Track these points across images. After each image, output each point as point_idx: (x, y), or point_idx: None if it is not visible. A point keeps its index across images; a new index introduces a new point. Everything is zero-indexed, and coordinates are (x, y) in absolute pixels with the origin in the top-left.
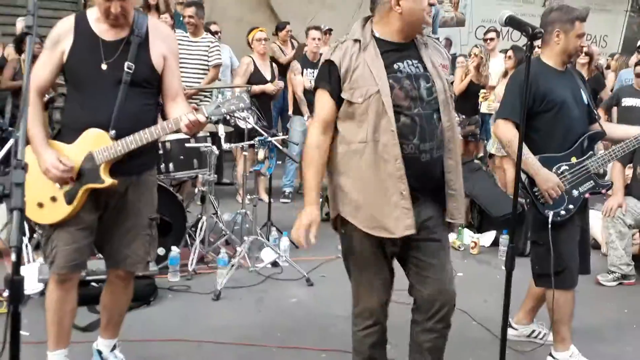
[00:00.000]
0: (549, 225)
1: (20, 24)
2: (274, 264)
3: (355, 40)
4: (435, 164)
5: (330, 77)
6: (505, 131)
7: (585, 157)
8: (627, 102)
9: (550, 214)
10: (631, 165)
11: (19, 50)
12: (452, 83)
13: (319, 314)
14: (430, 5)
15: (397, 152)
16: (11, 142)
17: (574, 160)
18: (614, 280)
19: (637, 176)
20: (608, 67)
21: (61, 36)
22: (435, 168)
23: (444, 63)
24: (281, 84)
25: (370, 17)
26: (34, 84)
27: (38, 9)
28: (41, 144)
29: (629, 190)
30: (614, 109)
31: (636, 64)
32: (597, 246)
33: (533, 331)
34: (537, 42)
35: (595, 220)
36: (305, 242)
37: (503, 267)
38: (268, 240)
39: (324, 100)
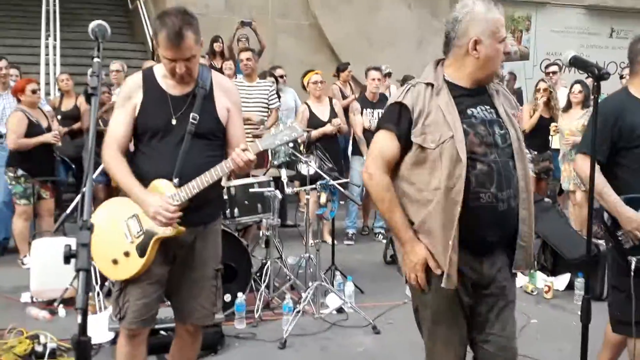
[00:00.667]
0: (632, 273)
1: (88, 91)
2: (339, 310)
3: (428, 84)
4: (511, 214)
5: (400, 119)
6: (585, 167)
7: None
8: None
9: (634, 260)
10: None
11: (89, 101)
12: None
13: None
14: (506, 54)
15: (460, 199)
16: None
17: None
18: None
19: None
20: None
21: (132, 92)
22: (511, 218)
23: (514, 112)
24: (338, 121)
25: (441, 60)
26: (114, 141)
27: (107, 57)
28: (142, 191)
29: None
30: None
31: None
32: None
33: None
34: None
35: None
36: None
37: (579, 313)
38: (332, 285)
39: (388, 141)
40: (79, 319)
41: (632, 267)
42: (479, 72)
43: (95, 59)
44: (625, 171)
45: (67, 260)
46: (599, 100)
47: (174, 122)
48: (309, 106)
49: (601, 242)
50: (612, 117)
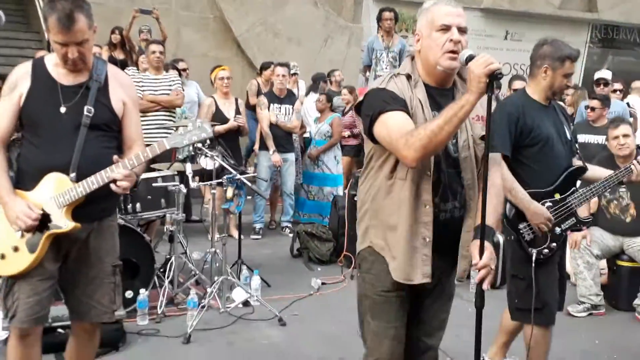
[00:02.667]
0: (533, 264)
1: None
2: (246, 303)
3: (407, 76)
4: (454, 223)
5: (395, 100)
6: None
7: (568, 193)
8: (581, 138)
9: (534, 252)
10: None
11: None
12: (482, 137)
13: (292, 355)
14: (453, 42)
15: (429, 197)
16: None
17: (557, 196)
18: (584, 310)
19: (602, 207)
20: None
21: (18, 81)
22: (454, 227)
23: (480, 114)
24: (241, 118)
25: (413, 57)
26: None
27: (2, 47)
28: (8, 194)
29: (594, 221)
30: None
31: (590, 98)
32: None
33: None
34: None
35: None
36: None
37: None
38: (239, 279)
39: (402, 116)
40: None
41: (533, 258)
42: (426, 66)
43: None
44: (523, 168)
45: None
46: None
47: (62, 109)
48: (215, 101)
49: (501, 234)
50: (514, 115)
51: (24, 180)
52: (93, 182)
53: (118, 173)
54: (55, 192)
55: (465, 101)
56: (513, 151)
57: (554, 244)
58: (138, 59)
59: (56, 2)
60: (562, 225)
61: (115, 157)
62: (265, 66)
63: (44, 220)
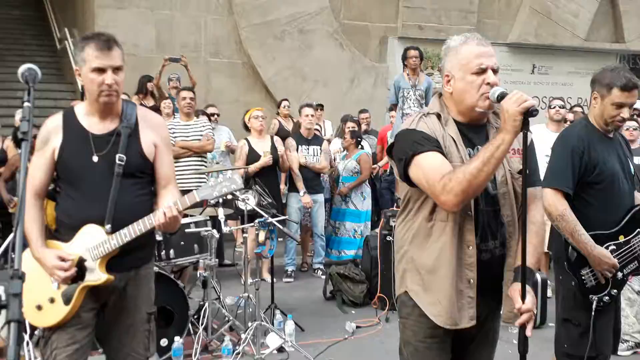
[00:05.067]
0: (592, 312)
1: (18, 116)
2: (280, 349)
3: (437, 115)
4: (495, 262)
5: (428, 140)
6: (556, 203)
7: (632, 235)
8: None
9: (595, 299)
10: None
11: (18, 145)
12: (520, 171)
13: None
14: (489, 85)
15: (472, 237)
16: (10, 237)
17: (621, 239)
18: (628, 349)
19: None
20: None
21: (50, 134)
22: (496, 266)
23: (517, 148)
24: (269, 155)
25: (441, 94)
26: (30, 187)
27: (36, 99)
28: (39, 248)
29: None
30: None
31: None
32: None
33: None
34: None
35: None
36: None
37: (514, 341)
38: (273, 324)
39: (438, 158)
40: None
41: (594, 306)
42: (460, 107)
43: (26, 104)
44: (586, 206)
45: None
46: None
47: (95, 159)
48: (248, 141)
49: (540, 272)
50: (579, 149)
51: (62, 231)
52: (126, 234)
53: (150, 224)
54: (91, 245)
55: (502, 141)
56: (577, 189)
57: (615, 291)
58: (160, 104)
59: (90, 36)
60: (625, 270)
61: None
62: (278, 104)
63: (79, 272)
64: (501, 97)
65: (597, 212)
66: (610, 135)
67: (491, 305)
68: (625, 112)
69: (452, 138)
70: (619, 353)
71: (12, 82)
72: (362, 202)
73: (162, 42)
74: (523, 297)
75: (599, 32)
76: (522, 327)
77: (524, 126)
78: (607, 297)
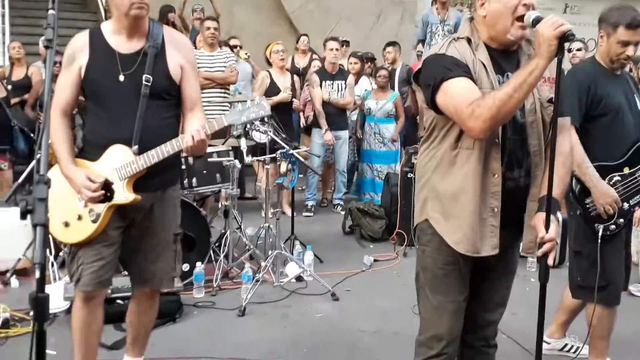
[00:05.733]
0: (599, 240)
1: (42, 43)
2: (299, 278)
3: (467, 40)
4: (519, 192)
5: (458, 65)
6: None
7: (638, 167)
8: None
9: (601, 228)
10: None
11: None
12: (550, 100)
13: (345, 329)
14: (526, 6)
15: (498, 166)
16: (36, 159)
17: (626, 170)
18: None
19: None
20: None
21: (76, 53)
22: (519, 196)
23: (547, 76)
24: (289, 90)
25: (472, 17)
26: (57, 106)
27: (60, 27)
28: (69, 166)
29: None
30: None
31: None
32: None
33: (565, 345)
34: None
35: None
36: None
37: (532, 279)
38: (292, 254)
39: (467, 83)
40: (37, 274)
41: (600, 234)
42: (492, 31)
43: (51, 11)
44: (592, 139)
45: (23, 216)
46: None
47: (121, 78)
48: (270, 75)
49: (561, 212)
50: (586, 84)
51: (89, 149)
52: (154, 155)
53: (178, 147)
54: (118, 164)
55: (535, 66)
56: (583, 122)
57: (621, 220)
58: (196, 38)
59: None
60: (631, 201)
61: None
62: (298, 38)
63: (107, 192)
64: (536, 21)
65: (603, 144)
66: (617, 73)
67: (512, 235)
68: (630, 50)
69: (483, 63)
70: (636, 293)
71: (35, 10)
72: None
73: None
74: (547, 227)
75: None
76: (544, 258)
77: (559, 51)
78: (613, 226)
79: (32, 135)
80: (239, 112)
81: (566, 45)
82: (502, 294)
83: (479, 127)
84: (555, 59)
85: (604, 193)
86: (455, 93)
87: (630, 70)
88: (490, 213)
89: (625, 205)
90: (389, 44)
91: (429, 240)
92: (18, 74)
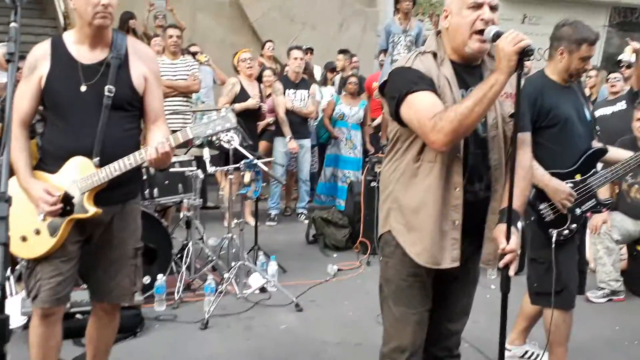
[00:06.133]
0: (553, 245)
1: (1, 50)
2: (262, 289)
3: (433, 53)
4: (479, 205)
5: (422, 79)
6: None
7: (588, 174)
8: (597, 113)
9: (554, 233)
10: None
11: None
12: (512, 115)
13: (309, 341)
14: (484, 21)
15: (459, 179)
16: None
17: (578, 177)
18: (604, 296)
19: (623, 191)
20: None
21: (38, 62)
22: (480, 209)
23: (509, 92)
24: (258, 97)
25: (439, 31)
26: (16, 116)
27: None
28: (26, 178)
29: (614, 206)
30: None
31: (608, 72)
32: (586, 263)
33: (526, 352)
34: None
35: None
36: None
37: (492, 286)
38: (255, 265)
39: (431, 97)
40: None
41: (553, 239)
42: (453, 44)
43: (13, 24)
44: (542, 149)
45: None
46: None
47: (83, 88)
48: (241, 82)
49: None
50: (532, 96)
51: (48, 161)
52: (116, 168)
53: (141, 160)
54: (79, 177)
55: (495, 80)
56: (532, 133)
57: (574, 225)
58: (150, 42)
59: None
60: (583, 207)
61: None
62: (263, 45)
63: (66, 205)
64: (497, 36)
65: (553, 153)
66: (565, 85)
67: (474, 245)
68: (589, 64)
69: (447, 78)
70: (594, 300)
71: None
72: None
73: None
74: (508, 238)
75: None
76: (505, 268)
77: (519, 67)
78: (566, 231)
79: None
80: (204, 125)
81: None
82: (465, 303)
83: (441, 140)
84: (515, 75)
85: (558, 189)
86: (419, 106)
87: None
88: (451, 226)
89: (578, 210)
90: (340, 51)
91: (392, 252)
92: None
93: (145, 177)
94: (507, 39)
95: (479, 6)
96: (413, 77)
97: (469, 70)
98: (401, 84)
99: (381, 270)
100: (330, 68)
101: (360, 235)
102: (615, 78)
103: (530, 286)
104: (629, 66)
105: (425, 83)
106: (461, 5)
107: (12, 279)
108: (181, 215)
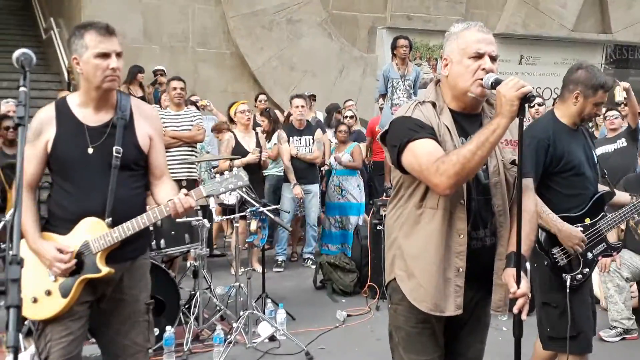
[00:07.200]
0: (567, 290)
1: (4, 107)
2: (272, 338)
3: (432, 104)
4: (486, 251)
5: (423, 127)
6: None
7: (597, 218)
8: (599, 151)
9: (568, 278)
10: None
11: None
12: (513, 161)
13: None
14: (485, 70)
15: (463, 226)
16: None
17: (587, 221)
18: (617, 335)
19: (630, 229)
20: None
21: (43, 126)
22: (485, 255)
23: (509, 139)
24: (258, 151)
25: (439, 81)
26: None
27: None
28: (36, 240)
29: (623, 244)
30: None
31: (606, 110)
32: (596, 301)
33: None
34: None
35: (592, 275)
36: None
37: (504, 328)
38: (264, 313)
39: (431, 144)
40: (11, 358)
41: (567, 284)
42: (454, 91)
43: (22, 88)
44: (554, 194)
45: None
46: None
47: (90, 151)
48: (235, 135)
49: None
50: (545, 142)
51: (57, 224)
52: (129, 227)
53: (155, 219)
54: (91, 237)
55: (497, 125)
56: (543, 177)
57: (587, 270)
58: (161, 97)
59: (87, 24)
60: (594, 251)
61: (151, 209)
62: (256, 97)
63: (78, 265)
64: (496, 83)
65: (563, 198)
66: (574, 128)
67: (481, 292)
68: (602, 109)
69: (447, 127)
70: (607, 339)
71: None
72: (360, 194)
73: (149, 31)
74: (518, 282)
75: (586, 22)
76: (519, 313)
77: (520, 112)
78: (579, 276)
79: None
80: (217, 183)
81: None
82: (477, 348)
83: (445, 183)
84: (517, 119)
85: (570, 234)
86: (421, 152)
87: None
88: (455, 273)
89: (589, 255)
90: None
91: (401, 299)
92: None
93: (151, 228)
94: (508, 85)
95: (480, 56)
96: (413, 125)
97: (468, 119)
98: (402, 133)
99: (390, 317)
100: (335, 110)
101: (369, 280)
102: (613, 116)
103: (543, 331)
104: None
105: (426, 131)
106: (462, 55)
107: (20, 334)
108: (188, 264)
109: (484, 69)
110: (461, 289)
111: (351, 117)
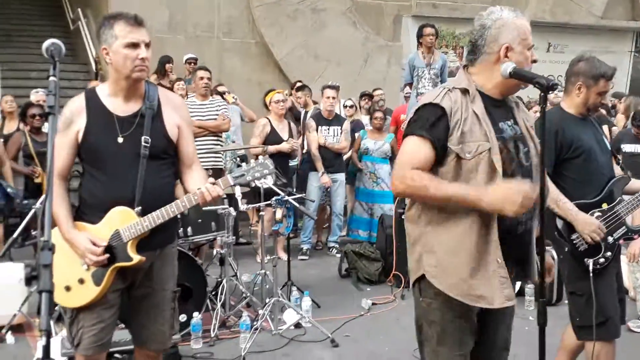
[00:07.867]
0: (590, 274)
1: (34, 97)
2: (297, 325)
3: (463, 90)
4: (528, 235)
5: (436, 125)
6: None
7: (615, 202)
8: (627, 148)
9: (590, 262)
10: None
11: (24, 121)
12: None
13: None
14: (534, 62)
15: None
16: (30, 214)
17: (605, 206)
18: None
19: None
20: (614, 107)
21: (74, 116)
22: (527, 238)
23: (531, 124)
24: (294, 142)
25: (465, 67)
26: (54, 170)
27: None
28: (70, 230)
29: None
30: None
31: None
32: (624, 291)
33: None
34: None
35: (622, 265)
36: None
37: (530, 318)
38: (289, 300)
39: (419, 147)
40: (43, 341)
41: (590, 268)
42: (508, 80)
43: (52, 78)
44: (567, 181)
45: (28, 282)
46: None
47: (120, 140)
48: (270, 122)
49: (552, 250)
50: (552, 130)
51: (88, 212)
52: (159, 216)
53: (184, 208)
54: (121, 226)
55: (471, 200)
56: (556, 166)
57: (609, 253)
58: (173, 86)
59: (118, 13)
60: (614, 235)
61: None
62: (299, 88)
63: (110, 253)
64: (514, 72)
65: (578, 184)
66: (582, 118)
67: (518, 278)
68: (605, 98)
69: (476, 115)
70: (635, 329)
71: (24, 63)
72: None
73: (175, 22)
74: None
75: (615, 9)
76: (542, 301)
77: (543, 101)
78: (602, 260)
79: (8, 190)
80: (244, 171)
81: None
82: (505, 337)
83: (399, 190)
84: (537, 108)
85: (586, 222)
86: (410, 149)
87: (614, 107)
88: (495, 264)
89: (610, 238)
90: (298, 88)
91: (436, 294)
92: (9, 127)
93: (178, 216)
94: (507, 200)
95: (532, 47)
96: (432, 118)
97: (496, 105)
98: (420, 122)
99: (422, 311)
100: (364, 95)
101: (394, 269)
102: None
103: (574, 321)
104: None
105: (435, 133)
106: (523, 46)
107: (51, 320)
108: (214, 252)
109: (534, 60)
110: (506, 279)
111: (351, 106)
